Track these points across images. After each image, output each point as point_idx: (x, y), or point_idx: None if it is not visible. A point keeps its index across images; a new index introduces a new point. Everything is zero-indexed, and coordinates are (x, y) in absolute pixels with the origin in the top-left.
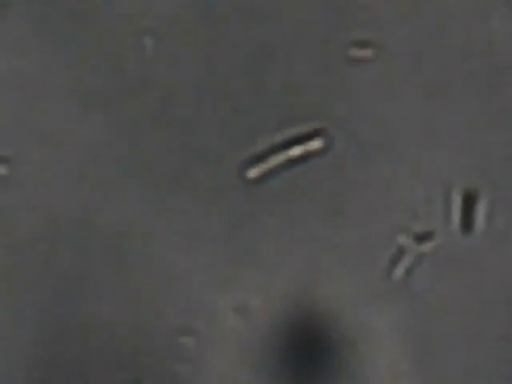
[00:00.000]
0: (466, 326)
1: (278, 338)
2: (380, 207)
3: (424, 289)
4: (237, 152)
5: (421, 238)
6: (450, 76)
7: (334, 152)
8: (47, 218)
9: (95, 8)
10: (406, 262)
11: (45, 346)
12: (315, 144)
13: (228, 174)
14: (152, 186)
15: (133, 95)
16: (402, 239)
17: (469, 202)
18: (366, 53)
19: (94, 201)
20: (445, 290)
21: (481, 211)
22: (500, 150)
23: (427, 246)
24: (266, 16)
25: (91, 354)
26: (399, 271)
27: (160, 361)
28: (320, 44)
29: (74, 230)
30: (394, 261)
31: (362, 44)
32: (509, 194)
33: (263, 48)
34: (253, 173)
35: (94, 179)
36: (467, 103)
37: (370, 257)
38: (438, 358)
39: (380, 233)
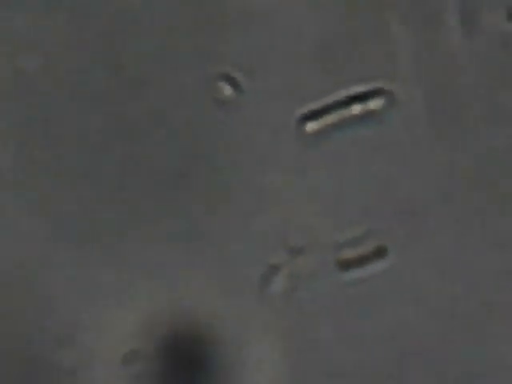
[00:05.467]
0: (341, 341)
1: (160, 352)
2: (254, 223)
3: (299, 304)
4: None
5: (296, 253)
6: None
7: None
8: None
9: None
10: (281, 278)
11: None
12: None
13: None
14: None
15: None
16: (277, 255)
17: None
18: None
19: None
20: (321, 305)
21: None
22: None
23: (302, 262)
24: None
25: None
26: (274, 287)
27: (43, 372)
28: None
29: None
30: (269, 277)
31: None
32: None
33: None
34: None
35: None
36: None
37: (244, 273)
38: (314, 373)
39: (254, 248)
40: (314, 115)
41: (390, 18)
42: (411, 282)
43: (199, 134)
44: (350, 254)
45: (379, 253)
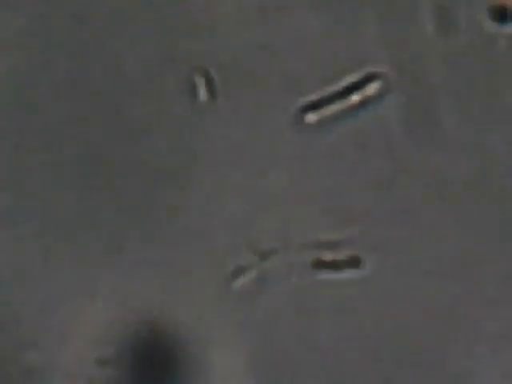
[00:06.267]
0: (305, 340)
1: (124, 356)
2: (221, 223)
3: (268, 305)
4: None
5: (264, 254)
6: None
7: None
8: None
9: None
10: (248, 278)
11: None
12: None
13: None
14: None
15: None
16: (245, 255)
17: None
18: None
19: None
20: (289, 306)
21: None
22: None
23: (270, 263)
24: None
25: None
26: (241, 287)
27: (5, 376)
28: None
29: None
30: (236, 277)
31: None
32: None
33: None
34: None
35: None
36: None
37: (212, 273)
38: (279, 373)
39: (221, 248)
40: (312, 107)
41: (364, 17)
42: (386, 289)
43: (175, 134)
44: (325, 257)
45: (353, 262)
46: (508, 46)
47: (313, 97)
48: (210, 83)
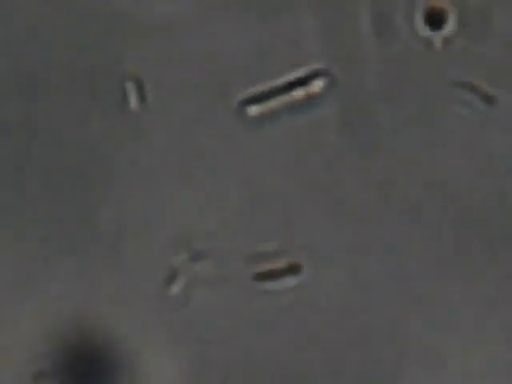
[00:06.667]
0: (247, 345)
1: (59, 360)
2: (157, 225)
3: (201, 308)
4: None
5: (197, 256)
6: None
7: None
8: None
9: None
10: (183, 281)
11: None
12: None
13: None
14: None
15: None
16: (178, 258)
17: None
18: None
19: None
20: (222, 309)
21: None
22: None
23: (204, 266)
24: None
25: None
26: (176, 290)
27: None
28: None
29: None
30: (171, 280)
31: None
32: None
33: None
34: (253, 111)
35: None
36: None
37: (146, 275)
38: (215, 377)
39: (156, 251)
40: (254, 100)
41: (303, 22)
42: (323, 297)
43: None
44: (263, 265)
45: (292, 269)
46: (443, 48)
47: (254, 90)
48: (141, 89)
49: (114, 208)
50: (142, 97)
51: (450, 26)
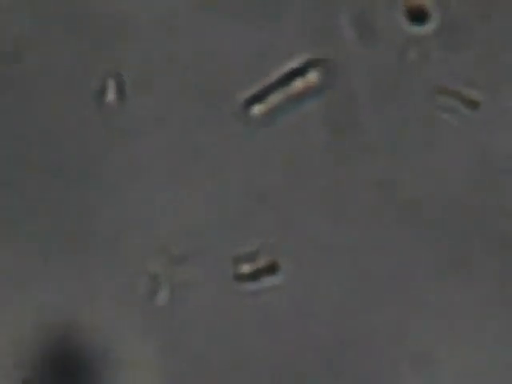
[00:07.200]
0: (236, 352)
1: (39, 362)
2: (134, 230)
3: (186, 315)
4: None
5: (178, 262)
6: None
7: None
8: None
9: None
10: (166, 288)
11: None
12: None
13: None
14: None
15: None
16: (159, 260)
17: None
18: None
19: None
20: (206, 316)
21: None
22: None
23: (186, 272)
24: None
25: None
26: (160, 297)
27: None
28: None
29: None
30: (154, 287)
31: None
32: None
33: None
34: (257, 109)
35: None
36: None
37: (129, 283)
38: (199, 377)
39: (137, 257)
40: (256, 99)
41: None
42: (303, 297)
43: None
44: (245, 266)
45: (271, 268)
46: (426, 46)
47: (252, 90)
48: (121, 86)
49: (94, 211)
50: (124, 94)
51: (432, 24)
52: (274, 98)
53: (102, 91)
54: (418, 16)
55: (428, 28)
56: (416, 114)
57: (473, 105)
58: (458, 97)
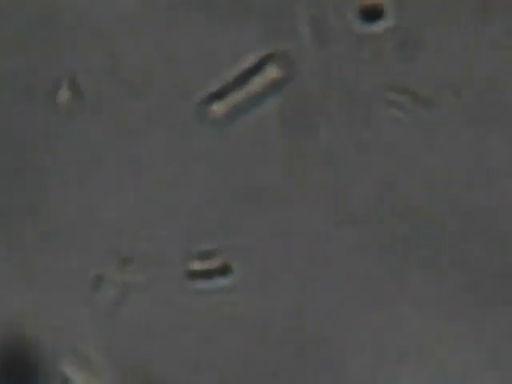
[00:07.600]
0: (189, 352)
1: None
2: (87, 230)
3: (134, 317)
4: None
5: (126, 264)
6: None
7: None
8: None
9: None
10: (112, 289)
11: None
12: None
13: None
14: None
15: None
16: (107, 266)
17: None
18: None
19: None
20: (157, 317)
21: None
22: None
23: (134, 274)
24: None
25: None
26: (106, 299)
27: None
28: None
29: None
30: (99, 288)
31: None
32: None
33: None
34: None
35: None
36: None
37: (76, 284)
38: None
39: (86, 259)
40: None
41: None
42: (254, 300)
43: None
44: (198, 266)
45: (224, 269)
46: (379, 44)
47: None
48: (76, 88)
49: (43, 212)
50: (79, 94)
51: (386, 21)
52: (234, 97)
53: (56, 91)
54: (372, 14)
55: (381, 26)
56: (367, 112)
57: (425, 103)
58: (411, 96)
